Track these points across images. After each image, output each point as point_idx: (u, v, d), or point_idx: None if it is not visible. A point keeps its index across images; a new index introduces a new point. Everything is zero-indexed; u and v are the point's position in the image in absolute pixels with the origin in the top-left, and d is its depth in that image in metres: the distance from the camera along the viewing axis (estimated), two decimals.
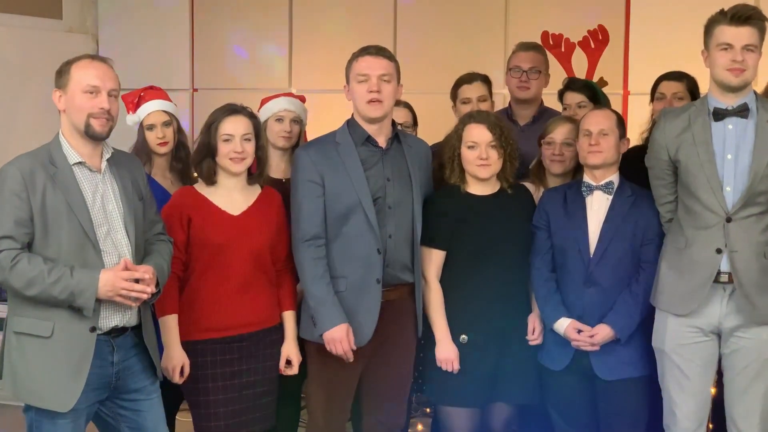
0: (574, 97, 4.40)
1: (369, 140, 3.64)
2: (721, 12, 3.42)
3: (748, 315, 3.43)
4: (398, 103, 4.28)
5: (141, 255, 3.26)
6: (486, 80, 4.54)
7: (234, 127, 3.57)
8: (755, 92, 3.51)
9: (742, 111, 3.42)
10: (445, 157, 3.79)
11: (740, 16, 3.37)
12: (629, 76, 6.02)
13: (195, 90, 6.62)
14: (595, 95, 4.42)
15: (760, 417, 3.51)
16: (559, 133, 3.94)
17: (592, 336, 3.61)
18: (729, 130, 3.43)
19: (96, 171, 3.21)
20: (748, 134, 3.41)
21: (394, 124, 3.75)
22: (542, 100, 4.71)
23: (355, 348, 3.55)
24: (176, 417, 4.15)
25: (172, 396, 3.79)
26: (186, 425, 3.83)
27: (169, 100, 4.25)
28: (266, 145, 3.91)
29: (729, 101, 3.43)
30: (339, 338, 3.53)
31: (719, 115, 3.44)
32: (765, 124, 3.41)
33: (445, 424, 3.79)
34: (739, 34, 3.37)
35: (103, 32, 6.70)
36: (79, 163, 3.18)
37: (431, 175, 3.86)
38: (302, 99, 4.38)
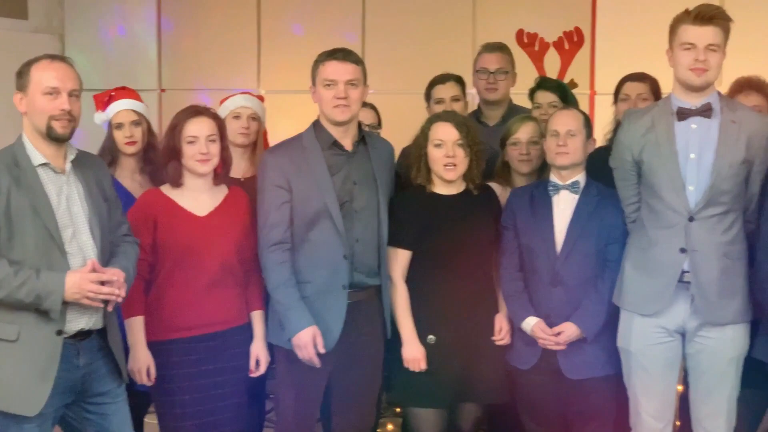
0: (546, 97, 4.42)
1: (335, 144, 3.64)
2: (686, 11, 3.43)
3: (708, 316, 3.45)
4: (363, 104, 4.29)
5: (107, 257, 3.23)
6: (459, 80, 4.56)
7: (198, 128, 3.56)
8: (719, 92, 3.53)
9: (706, 111, 3.44)
10: (412, 158, 3.80)
11: (704, 16, 3.38)
12: (596, 77, 6.07)
13: (162, 90, 6.59)
14: (566, 96, 4.44)
15: (726, 417, 3.53)
16: (524, 132, 3.96)
17: (557, 335, 3.63)
18: (692, 129, 3.45)
19: (60, 172, 3.18)
20: (712, 134, 3.43)
21: (359, 126, 3.76)
22: (511, 99, 4.73)
23: (323, 351, 3.55)
24: (145, 419, 4.13)
25: (141, 399, 3.77)
26: (155, 427, 3.81)
27: (141, 101, 4.23)
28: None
29: (692, 101, 3.45)
30: (304, 344, 3.52)
31: (683, 114, 3.45)
32: (729, 123, 3.42)
33: (414, 425, 3.79)
34: (703, 34, 3.38)
35: (69, 32, 6.66)
36: (44, 164, 3.15)
37: (395, 175, 3.87)
38: (260, 99, 4.39)
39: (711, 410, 3.54)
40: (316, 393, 3.72)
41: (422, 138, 3.76)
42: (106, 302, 3.16)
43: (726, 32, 3.43)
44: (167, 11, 6.61)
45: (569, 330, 3.63)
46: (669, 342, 3.54)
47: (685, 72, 3.42)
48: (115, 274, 3.12)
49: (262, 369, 3.71)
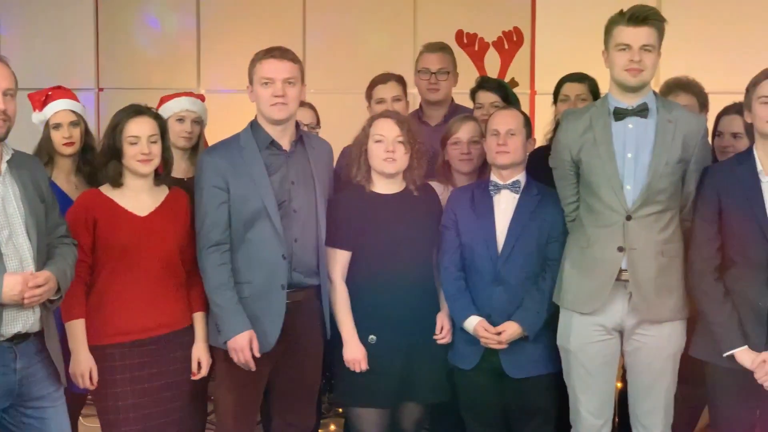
0: (487, 97, 4.44)
1: (273, 144, 3.63)
2: (620, 13, 3.47)
3: (645, 313, 3.49)
4: (302, 103, 4.28)
5: (44, 259, 3.18)
6: (400, 80, 4.56)
7: (140, 128, 3.52)
8: (655, 92, 3.58)
9: (642, 111, 3.48)
10: (352, 156, 3.81)
11: (638, 17, 3.42)
12: (536, 77, 6.13)
13: (101, 89, 6.51)
14: (507, 96, 4.47)
15: (663, 413, 3.58)
16: (465, 132, 3.98)
17: (499, 334, 3.65)
18: (629, 129, 3.48)
19: None
20: (648, 133, 3.47)
21: (297, 125, 3.75)
22: (453, 99, 4.75)
23: (258, 355, 3.54)
24: (80, 421, 4.08)
25: (76, 400, 3.72)
26: (90, 429, 3.77)
27: (77, 101, 4.18)
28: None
29: (629, 101, 3.49)
30: (240, 347, 3.52)
31: (619, 114, 3.49)
32: (665, 123, 3.47)
33: (356, 425, 3.80)
34: (637, 35, 3.42)
35: (4, 29, 6.54)
36: None
37: (333, 175, 3.88)
38: (201, 98, 4.36)
39: (649, 407, 3.59)
40: (255, 394, 3.71)
41: (363, 136, 3.77)
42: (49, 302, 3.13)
43: (660, 32, 3.47)
44: (104, 8, 6.52)
45: (511, 329, 3.65)
46: (607, 340, 3.58)
47: (621, 73, 3.46)
48: (38, 276, 3.08)
49: (204, 371, 3.68)
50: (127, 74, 6.47)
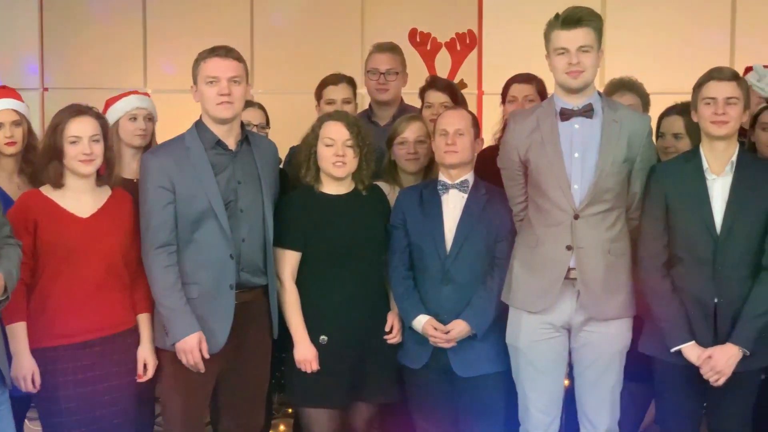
0: (437, 97, 4.43)
1: (219, 143, 3.61)
2: (555, 16, 3.48)
3: (593, 311, 3.52)
4: (252, 103, 4.26)
5: None
6: (351, 82, 4.56)
7: (81, 128, 3.48)
8: (599, 93, 3.59)
9: (587, 111, 3.49)
10: (300, 156, 3.80)
11: (571, 19, 3.43)
12: (483, 77, 6.16)
13: (45, 89, 6.43)
14: (456, 96, 4.48)
15: (609, 408, 3.62)
16: (411, 131, 3.99)
17: (447, 332, 3.65)
18: (576, 129, 3.50)
19: None
20: (594, 133, 3.49)
21: (243, 125, 3.73)
22: (402, 99, 4.75)
23: (207, 357, 3.52)
24: (25, 423, 4.02)
25: (19, 404, 3.67)
26: None
27: (21, 101, 4.12)
28: (119, 145, 3.87)
29: (574, 102, 3.50)
30: (190, 349, 3.50)
31: (565, 115, 3.51)
32: (611, 123, 3.49)
33: (307, 425, 3.79)
34: (573, 37, 3.43)
35: None
36: None
37: (283, 175, 3.86)
38: (146, 96, 4.32)
39: (595, 403, 3.62)
40: (203, 395, 3.69)
41: (312, 137, 3.77)
42: None
43: (597, 31, 3.47)
44: (49, 7, 6.44)
45: (459, 327, 3.66)
46: (556, 337, 3.60)
47: (562, 76, 3.47)
48: None
49: (150, 373, 3.65)
50: (72, 74, 6.40)
